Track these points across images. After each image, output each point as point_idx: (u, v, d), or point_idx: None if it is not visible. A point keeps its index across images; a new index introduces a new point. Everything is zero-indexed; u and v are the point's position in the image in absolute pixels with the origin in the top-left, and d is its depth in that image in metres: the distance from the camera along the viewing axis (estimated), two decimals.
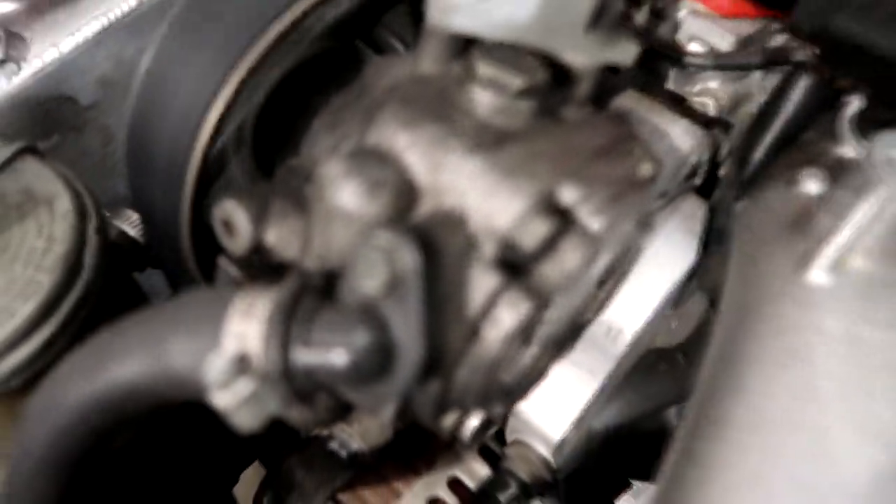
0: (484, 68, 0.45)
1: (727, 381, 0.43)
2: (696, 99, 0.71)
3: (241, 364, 0.35)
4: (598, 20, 0.48)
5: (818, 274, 0.45)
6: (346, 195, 0.39)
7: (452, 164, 0.42)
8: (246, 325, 0.36)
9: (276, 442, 0.76)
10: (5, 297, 0.48)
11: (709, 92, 0.71)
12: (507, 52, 0.46)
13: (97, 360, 0.39)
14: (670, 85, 0.73)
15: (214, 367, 0.35)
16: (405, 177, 0.42)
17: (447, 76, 0.49)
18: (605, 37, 0.49)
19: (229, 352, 0.35)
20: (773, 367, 0.41)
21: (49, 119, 0.72)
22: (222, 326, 0.36)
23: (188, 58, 0.45)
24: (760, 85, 0.70)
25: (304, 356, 0.36)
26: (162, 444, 0.66)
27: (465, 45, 0.49)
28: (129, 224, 0.69)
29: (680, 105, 0.74)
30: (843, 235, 0.44)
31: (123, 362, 0.38)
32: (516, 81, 0.44)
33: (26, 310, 0.48)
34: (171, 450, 0.68)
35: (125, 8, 0.72)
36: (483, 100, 0.45)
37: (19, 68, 0.68)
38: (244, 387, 0.35)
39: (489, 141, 0.43)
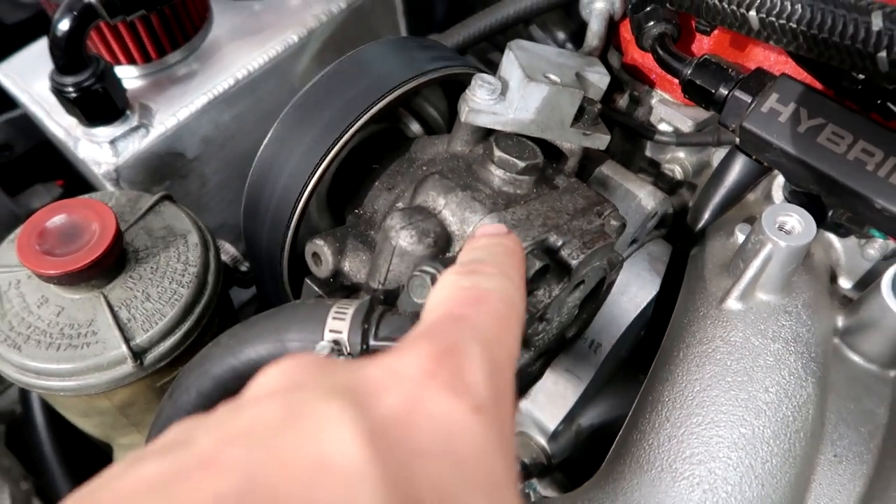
0: (498, 152, 0.64)
1: (663, 375, 0.61)
2: (666, 165, 0.90)
3: (337, 348, 0.54)
4: (579, 119, 0.68)
5: (733, 302, 0.64)
6: (404, 239, 0.59)
7: (475, 220, 0.61)
8: (339, 324, 0.55)
9: None
10: (158, 303, 0.68)
11: (676, 160, 0.89)
12: (515, 141, 0.66)
13: (237, 342, 0.58)
14: (647, 153, 0.93)
15: (319, 349, 0.54)
16: (443, 228, 0.61)
17: (473, 154, 0.68)
18: (586, 129, 0.68)
19: (328, 341, 0.55)
20: (693, 365, 0.60)
21: (164, 169, 0.93)
22: (324, 324, 0.55)
23: (294, 142, 0.65)
24: (716, 155, 0.89)
25: (376, 344, 0.55)
26: None
27: (486, 133, 0.69)
28: (224, 252, 0.89)
29: (655, 169, 0.93)
30: (748, 275, 0.62)
31: (255, 345, 0.57)
32: (520, 163, 0.63)
33: (172, 313, 0.68)
34: None
35: (225, 86, 0.94)
36: (497, 174, 0.64)
37: (147, 132, 0.89)
38: None
39: (501, 204, 0.62)
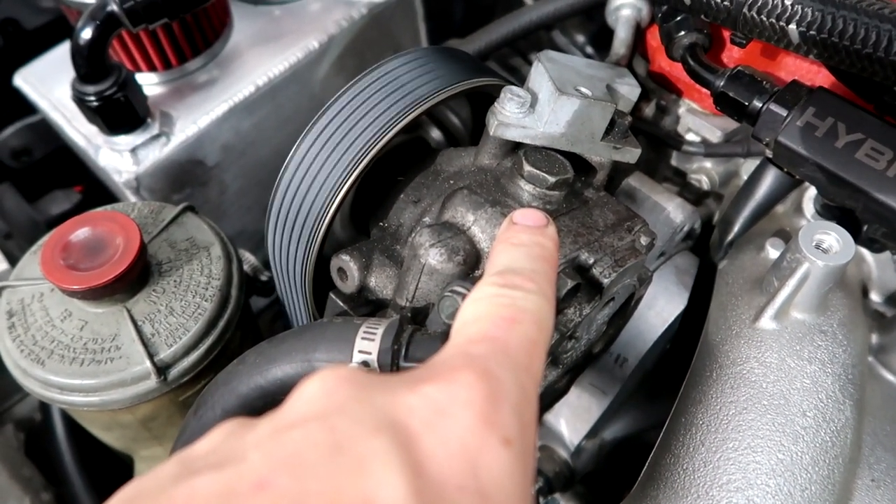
0: (528, 167, 0.63)
1: (696, 396, 0.60)
2: (692, 175, 0.89)
3: (366, 370, 0.53)
4: (609, 133, 0.66)
5: (767, 321, 0.62)
6: (433, 257, 0.58)
7: None
8: (369, 345, 0.54)
9: None
10: (182, 317, 0.67)
11: (703, 170, 0.88)
12: (545, 155, 0.64)
13: (264, 361, 0.57)
14: (673, 162, 0.91)
15: None
16: (472, 245, 0.60)
17: (501, 168, 0.67)
18: (616, 143, 0.67)
19: (357, 362, 0.54)
20: (728, 387, 0.59)
21: (184, 176, 0.92)
22: (353, 344, 0.54)
23: (320, 157, 0.64)
24: (745, 166, 0.87)
25: (406, 365, 0.54)
26: None
27: (514, 147, 0.67)
28: (245, 262, 0.88)
29: (681, 178, 0.92)
30: (783, 294, 0.61)
31: (282, 365, 0.56)
32: (550, 178, 0.62)
33: (196, 327, 0.67)
34: None
35: (245, 93, 0.93)
36: (526, 189, 0.63)
37: (168, 140, 0.88)
38: None
39: None
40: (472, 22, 1.15)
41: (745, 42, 0.64)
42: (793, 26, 0.57)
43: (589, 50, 1.14)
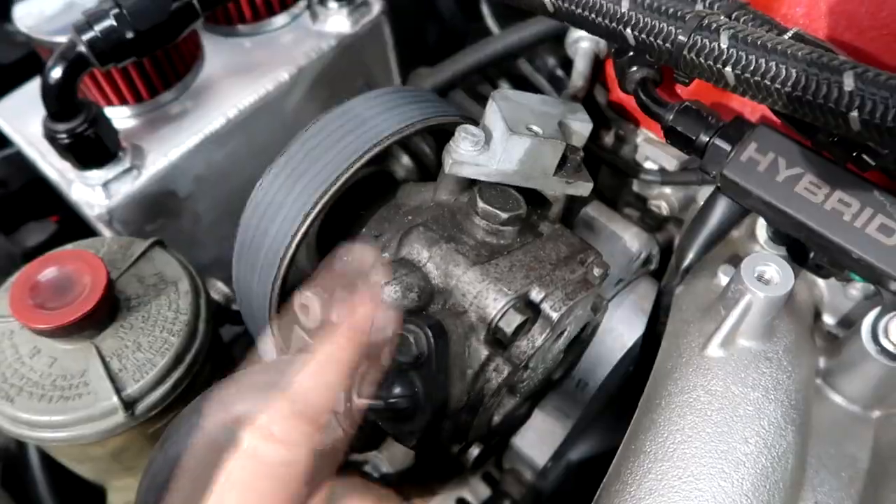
0: (482, 204, 0.65)
1: (646, 423, 0.62)
2: (652, 201, 0.91)
3: None
4: (562, 167, 0.69)
5: (714, 349, 0.65)
6: (388, 295, 0.60)
7: (458, 273, 0.62)
8: None
9: None
10: (149, 352, 0.69)
11: (663, 196, 0.90)
12: (499, 191, 0.67)
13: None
14: (634, 188, 0.94)
15: None
16: (427, 281, 0.62)
17: (458, 203, 0.69)
18: (568, 178, 0.69)
19: None
20: (675, 415, 0.61)
21: (157, 208, 0.94)
22: None
23: (284, 192, 0.66)
24: (702, 192, 0.90)
25: (360, 402, 0.56)
26: None
27: (471, 181, 0.70)
28: (215, 291, 0.90)
29: (642, 204, 0.94)
30: (728, 323, 0.63)
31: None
32: (502, 215, 0.64)
33: (163, 362, 0.69)
34: None
35: (217, 125, 0.95)
36: (481, 225, 0.65)
37: (140, 173, 0.90)
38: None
39: (484, 256, 0.63)
40: (445, 48, 1.18)
41: (688, 81, 0.67)
42: (728, 69, 0.59)
43: (559, 72, 1.17)
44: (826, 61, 0.56)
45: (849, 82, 0.54)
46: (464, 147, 0.66)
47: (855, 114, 0.54)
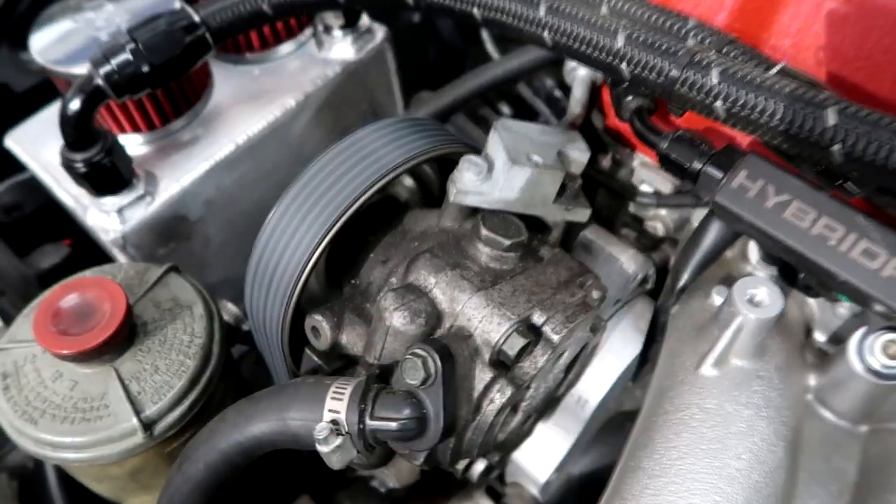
0: (485, 231, 0.68)
1: (643, 441, 0.65)
2: (649, 223, 0.94)
3: (335, 428, 0.58)
4: (561, 195, 0.72)
5: (708, 368, 0.68)
6: (397, 320, 0.63)
7: (463, 299, 0.65)
8: (338, 404, 0.59)
9: (326, 479, 0.98)
10: (166, 375, 0.72)
11: (658, 217, 0.93)
12: (501, 219, 0.70)
13: (243, 419, 0.62)
14: (631, 210, 0.97)
15: (319, 429, 0.58)
16: (434, 306, 0.65)
17: (462, 230, 0.72)
18: (567, 205, 0.72)
19: (327, 420, 0.59)
20: (671, 433, 0.64)
21: (169, 232, 0.97)
22: (324, 403, 0.59)
23: (296, 223, 0.69)
24: (697, 213, 0.93)
25: (372, 424, 0.58)
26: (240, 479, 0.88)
27: (473, 210, 0.73)
28: (226, 311, 0.93)
29: (639, 224, 0.97)
30: (721, 343, 0.66)
31: (259, 423, 0.61)
32: (505, 242, 0.67)
33: (180, 384, 0.72)
34: (243, 482, 0.90)
35: (226, 151, 0.98)
36: (485, 252, 0.68)
37: (153, 199, 0.93)
38: (336, 442, 0.57)
39: (488, 282, 0.66)
40: (445, 71, 1.22)
41: (681, 112, 0.70)
42: (719, 103, 0.63)
43: (557, 93, 1.20)
44: (810, 97, 0.59)
45: (832, 117, 0.57)
46: (467, 177, 0.69)
47: (837, 147, 0.57)
